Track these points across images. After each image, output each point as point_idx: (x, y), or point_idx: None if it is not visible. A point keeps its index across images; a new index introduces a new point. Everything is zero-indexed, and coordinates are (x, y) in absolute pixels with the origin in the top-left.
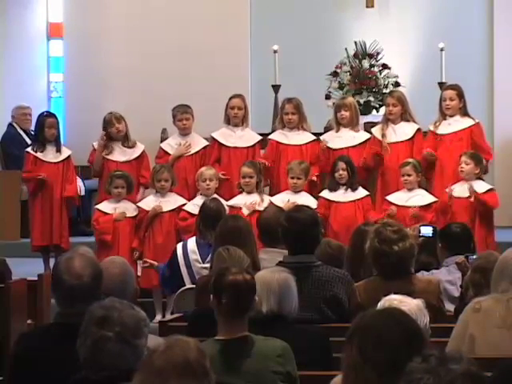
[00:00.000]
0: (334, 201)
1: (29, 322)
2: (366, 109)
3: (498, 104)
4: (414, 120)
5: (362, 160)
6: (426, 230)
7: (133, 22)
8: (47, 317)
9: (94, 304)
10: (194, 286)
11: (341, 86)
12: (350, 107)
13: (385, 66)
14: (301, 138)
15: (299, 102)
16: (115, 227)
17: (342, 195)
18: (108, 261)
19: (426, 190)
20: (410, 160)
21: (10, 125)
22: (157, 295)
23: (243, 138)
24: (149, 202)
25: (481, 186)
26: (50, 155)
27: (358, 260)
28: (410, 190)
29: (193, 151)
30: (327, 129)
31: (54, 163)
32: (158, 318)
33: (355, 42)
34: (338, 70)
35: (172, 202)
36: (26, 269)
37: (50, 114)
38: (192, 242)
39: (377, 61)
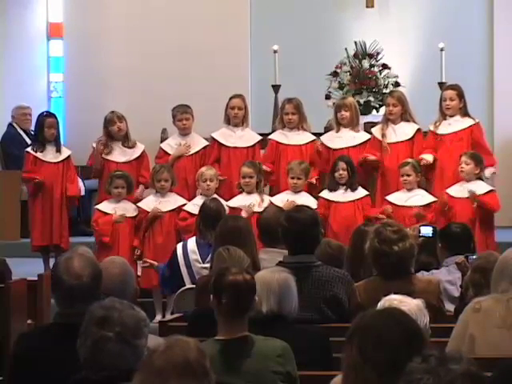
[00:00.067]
0: (333, 201)
1: (29, 322)
2: (366, 109)
3: (498, 104)
4: (414, 120)
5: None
6: (426, 230)
7: (133, 21)
8: (47, 317)
9: (94, 304)
10: (193, 285)
11: (341, 86)
12: (351, 107)
13: (385, 66)
14: (301, 138)
15: (299, 102)
16: (115, 228)
17: (341, 195)
18: (108, 261)
19: (426, 190)
20: (410, 160)
21: (10, 125)
22: (157, 295)
23: (243, 138)
24: (149, 202)
25: (481, 187)
26: (49, 155)
27: (357, 260)
28: (409, 190)
29: (193, 151)
30: (327, 129)
31: (54, 163)
32: (158, 318)
33: (355, 42)
34: (338, 70)
35: (172, 202)
36: (26, 269)
37: (49, 114)
38: (192, 242)
39: (377, 61)
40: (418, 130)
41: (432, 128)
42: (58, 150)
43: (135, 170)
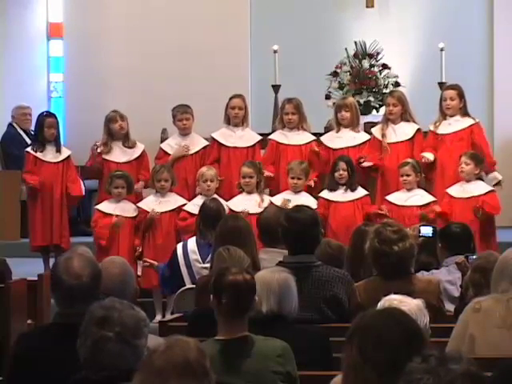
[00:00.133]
0: (333, 201)
1: (29, 322)
2: (366, 109)
3: (498, 104)
4: (414, 120)
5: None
6: (426, 230)
7: (133, 21)
8: (47, 317)
9: (94, 304)
10: (194, 286)
11: (341, 86)
12: (351, 108)
13: (385, 66)
14: (301, 138)
15: (299, 102)
16: (113, 230)
17: (341, 195)
18: (108, 261)
19: (426, 190)
20: (409, 160)
21: (10, 125)
22: (157, 295)
23: (243, 138)
24: (149, 203)
25: (481, 187)
26: (49, 155)
27: (357, 260)
28: (409, 190)
29: (193, 151)
30: (327, 129)
31: (54, 163)
32: (158, 318)
33: (355, 42)
34: (338, 70)
35: (172, 202)
36: (26, 269)
37: (49, 114)
38: (192, 242)
39: (377, 61)
40: (418, 129)
41: (432, 128)
42: (58, 150)
43: (135, 170)
